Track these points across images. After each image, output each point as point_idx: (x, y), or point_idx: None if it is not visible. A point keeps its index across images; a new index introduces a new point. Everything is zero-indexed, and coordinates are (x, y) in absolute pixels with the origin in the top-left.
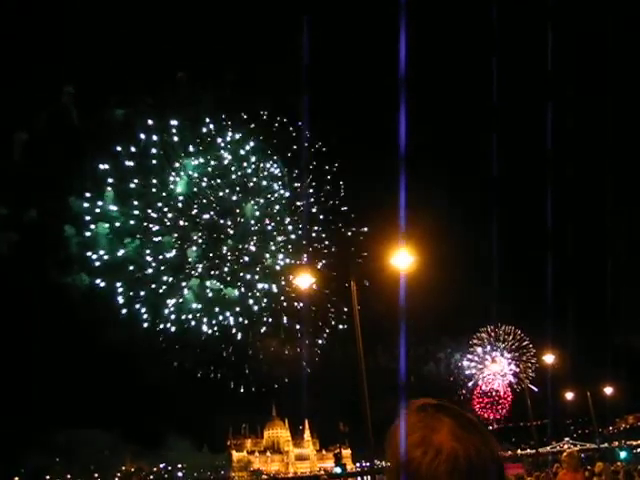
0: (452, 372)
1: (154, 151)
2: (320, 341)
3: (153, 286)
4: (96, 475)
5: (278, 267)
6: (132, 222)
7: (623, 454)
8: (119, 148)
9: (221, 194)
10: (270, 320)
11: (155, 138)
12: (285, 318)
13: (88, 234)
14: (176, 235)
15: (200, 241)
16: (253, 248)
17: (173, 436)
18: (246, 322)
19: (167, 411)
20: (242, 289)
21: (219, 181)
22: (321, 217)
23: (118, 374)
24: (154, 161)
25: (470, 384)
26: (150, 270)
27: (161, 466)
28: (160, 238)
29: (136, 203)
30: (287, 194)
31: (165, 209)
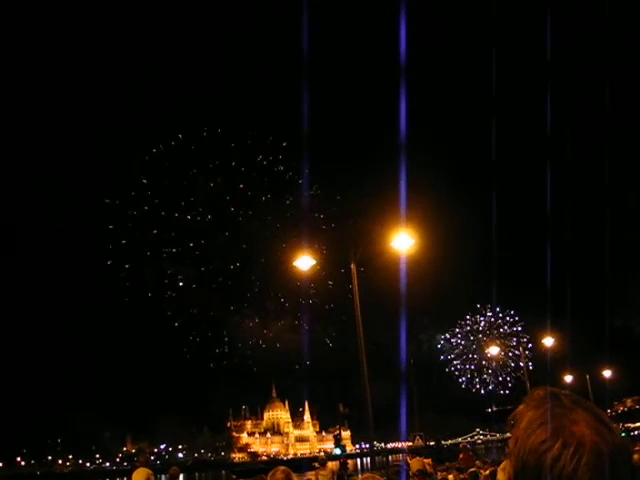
0: (436, 353)
1: None
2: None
3: None
4: (97, 456)
5: None
6: None
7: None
8: None
9: None
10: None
11: None
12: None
13: None
14: None
15: None
16: None
17: (173, 417)
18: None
19: (167, 392)
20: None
21: None
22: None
23: (121, 356)
24: None
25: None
26: None
27: (162, 447)
28: None
29: None
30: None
31: None
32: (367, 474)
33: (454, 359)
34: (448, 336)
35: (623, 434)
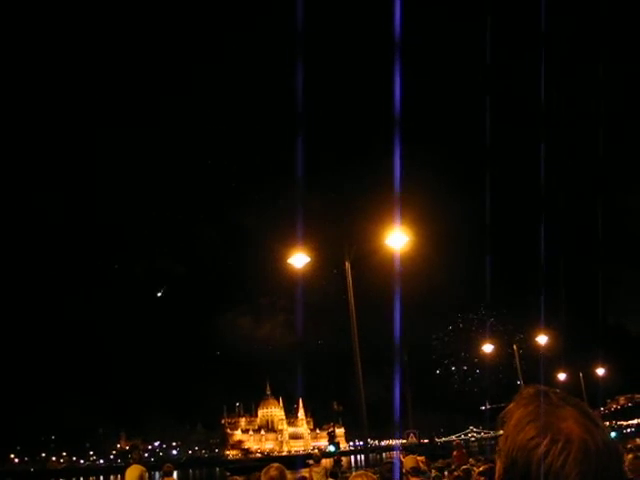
0: (430, 351)
1: None
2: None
3: None
4: (91, 453)
5: None
6: None
7: (612, 434)
8: None
9: None
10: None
11: None
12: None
13: None
14: None
15: None
16: None
17: (168, 414)
18: None
19: (161, 389)
20: None
21: None
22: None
23: (115, 354)
24: None
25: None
26: None
27: (155, 444)
28: None
29: None
30: None
31: None
32: (360, 471)
33: (448, 357)
34: (442, 334)
35: (615, 433)
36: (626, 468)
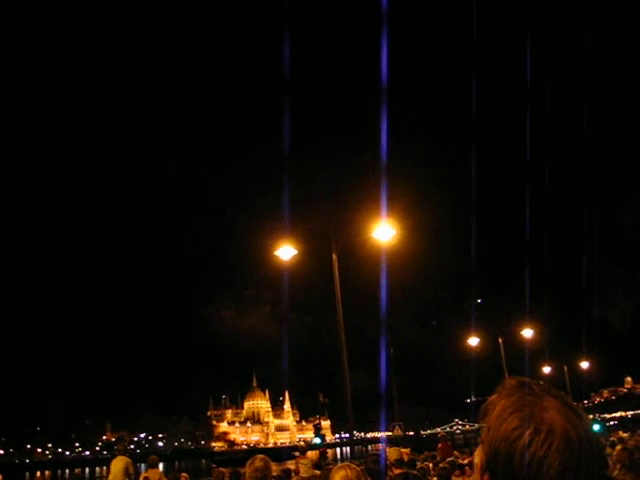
0: (415, 344)
1: None
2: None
3: None
4: (77, 444)
5: None
6: None
7: (596, 427)
8: None
9: None
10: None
11: None
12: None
13: None
14: None
15: None
16: None
17: (154, 406)
18: None
19: (148, 382)
20: None
21: None
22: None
23: (102, 346)
24: None
25: None
26: None
27: (141, 435)
28: None
29: None
30: None
31: None
32: (343, 463)
33: (433, 350)
34: (427, 327)
35: (598, 425)
36: (614, 459)
